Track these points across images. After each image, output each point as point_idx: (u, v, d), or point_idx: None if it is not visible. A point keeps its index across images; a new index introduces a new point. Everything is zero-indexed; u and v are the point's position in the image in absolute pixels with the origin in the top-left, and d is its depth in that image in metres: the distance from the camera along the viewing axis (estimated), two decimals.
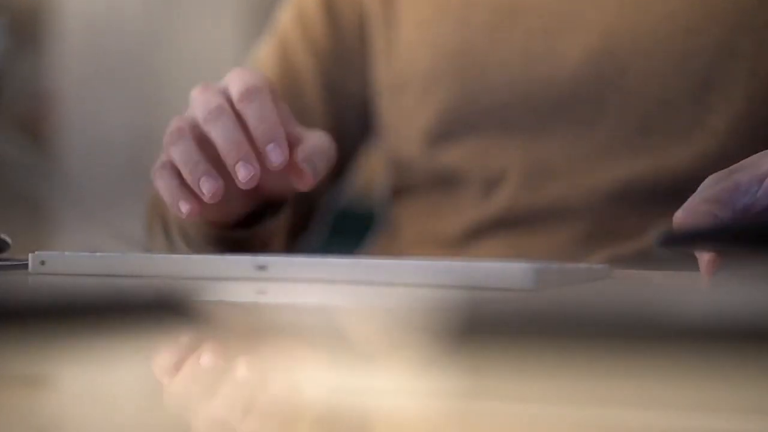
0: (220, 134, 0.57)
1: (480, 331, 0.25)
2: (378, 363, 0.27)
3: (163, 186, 0.58)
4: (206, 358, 0.29)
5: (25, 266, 0.53)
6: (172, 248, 0.77)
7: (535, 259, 0.49)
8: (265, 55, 0.94)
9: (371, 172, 1.05)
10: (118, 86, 2.97)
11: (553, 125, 0.77)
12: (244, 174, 0.55)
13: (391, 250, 0.84)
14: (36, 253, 0.53)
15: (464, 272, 0.44)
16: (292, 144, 0.61)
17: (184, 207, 0.56)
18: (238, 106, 0.58)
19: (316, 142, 0.62)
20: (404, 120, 0.86)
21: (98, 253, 0.52)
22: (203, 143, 0.58)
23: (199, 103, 0.60)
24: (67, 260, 0.52)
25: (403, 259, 0.49)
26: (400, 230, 0.88)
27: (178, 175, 0.58)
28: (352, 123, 0.92)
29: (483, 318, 0.25)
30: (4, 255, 0.60)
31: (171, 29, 2.99)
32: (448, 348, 0.26)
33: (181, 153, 0.57)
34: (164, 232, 0.78)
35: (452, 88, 0.82)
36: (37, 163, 3.00)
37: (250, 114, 0.58)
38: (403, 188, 0.87)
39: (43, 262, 0.52)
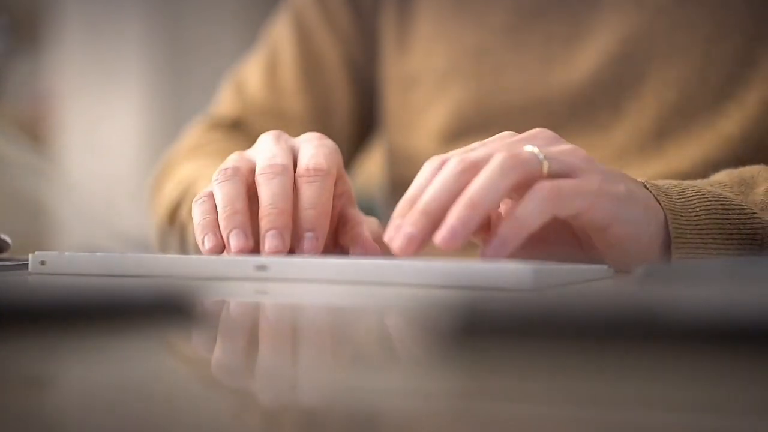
0: (269, 195, 0.55)
1: (478, 331, 0.25)
2: (377, 363, 0.27)
3: (198, 215, 0.57)
4: (206, 358, 0.29)
5: (25, 266, 0.53)
6: (186, 252, 0.77)
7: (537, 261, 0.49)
8: (282, 38, 0.94)
9: (372, 166, 1.05)
10: (118, 87, 2.97)
11: (568, 128, 0.77)
12: (271, 246, 0.54)
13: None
14: (36, 253, 0.53)
15: (463, 272, 0.44)
16: (345, 223, 0.60)
17: (208, 243, 0.55)
18: (299, 179, 0.57)
19: (369, 230, 0.60)
20: (415, 115, 0.86)
21: (98, 253, 0.52)
22: (252, 190, 0.57)
23: (266, 152, 0.58)
24: (67, 260, 0.52)
25: (403, 259, 0.49)
26: None
27: (216, 210, 0.57)
28: (372, 106, 0.92)
29: (481, 318, 0.25)
30: (4, 255, 0.60)
31: (172, 30, 2.99)
32: (446, 348, 0.26)
33: (224, 195, 0.56)
34: (181, 241, 0.78)
35: (468, 88, 0.82)
36: (37, 163, 3.00)
37: (306, 194, 0.56)
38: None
39: (43, 262, 0.52)
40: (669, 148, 0.76)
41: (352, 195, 0.62)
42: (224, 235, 0.55)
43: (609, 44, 0.78)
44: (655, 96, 0.77)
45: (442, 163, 0.52)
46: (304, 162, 0.57)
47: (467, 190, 0.49)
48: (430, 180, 0.51)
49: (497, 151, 0.51)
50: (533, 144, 0.53)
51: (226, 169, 0.57)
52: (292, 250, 0.55)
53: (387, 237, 0.50)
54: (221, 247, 0.55)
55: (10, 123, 3.12)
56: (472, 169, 0.50)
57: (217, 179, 0.57)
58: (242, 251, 0.54)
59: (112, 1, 2.94)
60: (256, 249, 0.55)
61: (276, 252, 0.54)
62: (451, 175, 0.50)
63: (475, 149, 0.53)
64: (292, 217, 0.55)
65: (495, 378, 0.24)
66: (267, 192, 0.56)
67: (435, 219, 0.49)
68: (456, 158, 0.51)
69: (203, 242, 0.56)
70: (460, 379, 0.24)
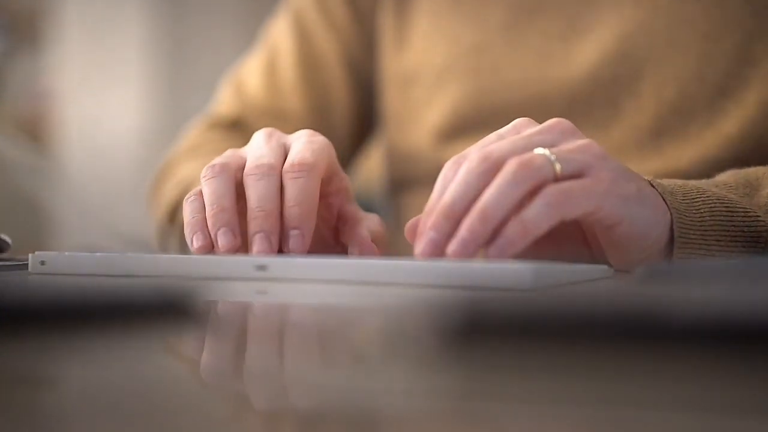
0: (255, 196, 0.55)
1: (478, 330, 0.25)
2: (378, 363, 0.27)
3: (188, 214, 0.56)
4: (206, 358, 0.29)
5: (25, 266, 0.53)
6: (186, 252, 0.77)
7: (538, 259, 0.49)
8: (281, 37, 0.94)
9: (372, 165, 1.05)
10: (118, 86, 2.97)
11: None
12: (258, 249, 0.54)
13: (394, 244, 0.84)
14: (36, 253, 0.53)
15: (463, 272, 0.44)
16: (345, 221, 0.60)
17: (196, 242, 0.55)
18: (284, 175, 0.56)
19: (368, 229, 0.60)
20: (413, 113, 0.86)
21: (98, 253, 0.52)
22: (242, 187, 0.57)
23: (255, 151, 0.58)
24: (67, 260, 0.52)
25: (403, 259, 0.49)
26: (403, 223, 0.88)
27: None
28: (371, 104, 0.92)
29: (481, 318, 0.25)
30: (4, 255, 0.60)
31: (171, 30, 2.99)
32: (446, 347, 0.26)
33: (212, 192, 0.56)
34: (181, 241, 0.79)
35: (466, 85, 0.82)
36: (37, 163, 3.00)
37: (289, 191, 0.56)
38: (407, 181, 0.87)
39: (43, 262, 0.52)
40: (667, 146, 0.76)
41: (350, 191, 0.62)
42: (212, 233, 0.54)
43: (607, 42, 0.77)
44: (653, 94, 0.76)
45: (461, 165, 0.51)
46: (289, 159, 0.57)
47: (480, 201, 0.49)
48: (451, 182, 0.51)
49: (514, 147, 0.51)
50: (550, 136, 0.53)
51: (213, 165, 0.57)
52: (280, 250, 0.55)
53: (416, 249, 0.50)
54: (210, 246, 0.55)
55: (10, 123, 3.12)
56: (491, 171, 0.50)
57: (204, 176, 0.57)
58: (230, 250, 0.54)
59: (112, 0, 2.94)
60: (243, 248, 0.55)
61: (233, 247, 0.54)
62: (472, 177, 0.50)
63: (493, 142, 0.52)
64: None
65: (495, 378, 0.24)
66: (254, 194, 0.55)
67: (457, 222, 0.49)
68: (475, 155, 0.51)
69: (192, 241, 0.55)
70: (460, 378, 0.24)
